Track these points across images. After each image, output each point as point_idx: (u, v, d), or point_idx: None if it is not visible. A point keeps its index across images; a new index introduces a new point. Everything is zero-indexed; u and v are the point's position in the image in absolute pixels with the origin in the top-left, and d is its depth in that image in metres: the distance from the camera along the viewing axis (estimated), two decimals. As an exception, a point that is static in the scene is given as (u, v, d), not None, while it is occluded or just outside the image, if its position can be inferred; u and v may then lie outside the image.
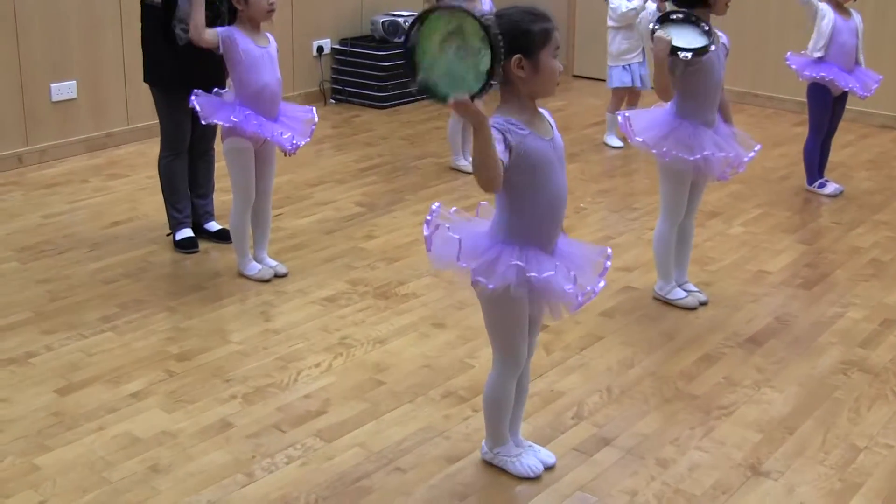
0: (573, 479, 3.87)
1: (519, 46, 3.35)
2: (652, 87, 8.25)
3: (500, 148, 3.28)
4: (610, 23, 8.25)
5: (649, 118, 5.18)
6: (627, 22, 8.13)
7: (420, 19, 3.16)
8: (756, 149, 5.16)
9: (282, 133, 5.33)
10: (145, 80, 5.96)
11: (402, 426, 4.19)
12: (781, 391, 4.52)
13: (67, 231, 6.27)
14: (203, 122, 5.33)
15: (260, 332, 5.00)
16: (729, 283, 5.68)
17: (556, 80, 3.49)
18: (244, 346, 4.85)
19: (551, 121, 3.59)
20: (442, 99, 3.16)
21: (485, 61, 3.11)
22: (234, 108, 5.33)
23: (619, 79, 8.31)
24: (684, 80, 5.00)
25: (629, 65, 8.29)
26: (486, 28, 3.09)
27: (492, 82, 3.14)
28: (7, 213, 6.57)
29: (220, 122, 5.31)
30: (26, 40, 7.42)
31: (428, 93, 3.20)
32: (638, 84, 8.34)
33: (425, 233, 3.54)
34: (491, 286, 3.45)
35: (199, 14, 5.21)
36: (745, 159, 5.11)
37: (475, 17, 3.09)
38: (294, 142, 5.36)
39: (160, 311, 5.22)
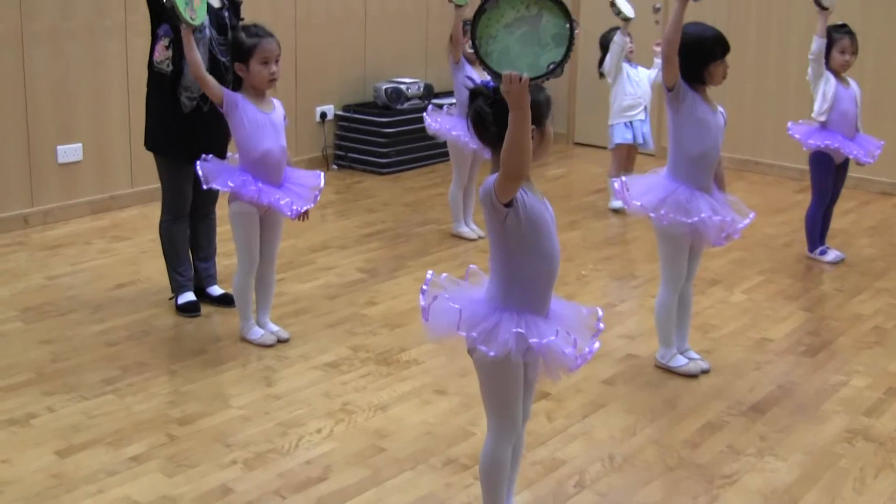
0: (576, 547, 3.85)
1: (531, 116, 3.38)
2: (646, 149, 8.42)
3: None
4: (608, 80, 8.33)
5: (646, 183, 5.20)
6: (617, 65, 8.20)
7: None
8: (750, 216, 5.17)
9: (279, 199, 5.33)
10: (147, 147, 5.99)
11: (403, 494, 4.17)
12: (785, 460, 4.50)
13: (70, 293, 6.28)
14: (204, 187, 5.35)
15: (261, 396, 4.99)
16: (731, 350, 5.68)
17: (551, 147, 3.57)
18: (245, 410, 4.84)
19: None
20: (492, 73, 3.23)
21: (548, 57, 3.20)
22: (234, 173, 5.36)
23: (621, 135, 8.35)
24: (681, 139, 5.04)
25: (631, 122, 8.33)
26: (571, 32, 3.20)
27: (546, 77, 3.24)
28: (11, 274, 6.58)
29: (219, 188, 5.34)
30: (34, 102, 7.49)
31: (480, 60, 3.27)
32: (640, 141, 8.37)
33: (422, 303, 3.56)
34: (492, 353, 3.45)
35: (191, 52, 5.22)
36: (740, 226, 5.12)
37: (566, 17, 3.20)
38: (294, 207, 5.36)
39: (162, 374, 5.21)
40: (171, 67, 5.66)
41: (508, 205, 3.38)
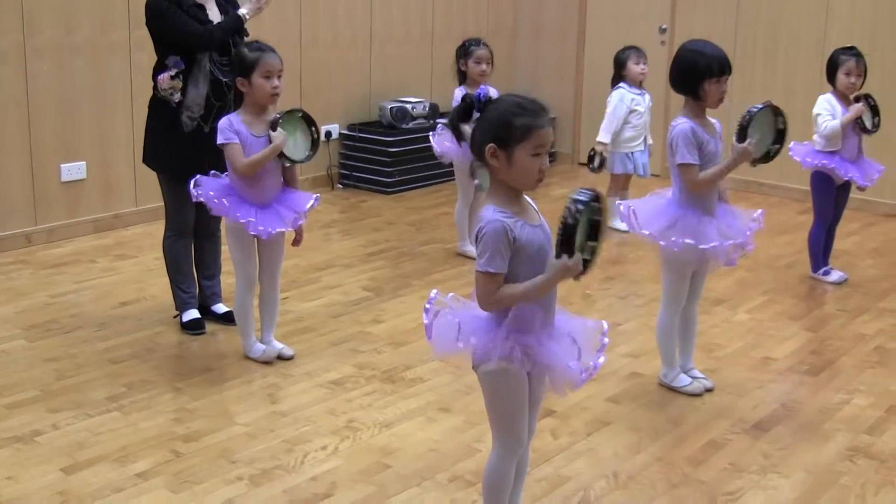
0: (580, 564, 3.85)
1: (496, 136, 3.39)
2: (644, 178, 8.45)
3: (502, 263, 3.41)
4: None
5: (652, 209, 5.16)
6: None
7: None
8: (757, 214, 5.15)
9: (241, 216, 5.28)
10: (145, 162, 6.02)
11: (408, 509, 4.19)
12: (788, 477, 4.51)
13: (75, 310, 6.30)
14: (192, 199, 5.37)
15: (266, 414, 5.00)
16: (735, 369, 5.69)
17: (533, 177, 3.44)
18: (251, 427, 4.85)
19: (534, 207, 3.59)
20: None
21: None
22: (218, 188, 5.37)
23: (621, 165, 8.41)
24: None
25: (632, 153, 8.37)
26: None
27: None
28: (15, 292, 6.60)
29: (198, 199, 5.33)
30: (38, 121, 7.51)
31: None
32: (640, 172, 8.42)
33: (425, 321, 3.57)
34: (494, 365, 3.47)
35: (262, 161, 5.29)
36: (749, 232, 5.09)
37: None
38: (260, 228, 5.29)
39: (167, 391, 5.22)
40: (175, 97, 5.69)
41: None
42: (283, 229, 5.43)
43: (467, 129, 3.51)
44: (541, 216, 3.56)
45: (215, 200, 5.29)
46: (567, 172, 10.70)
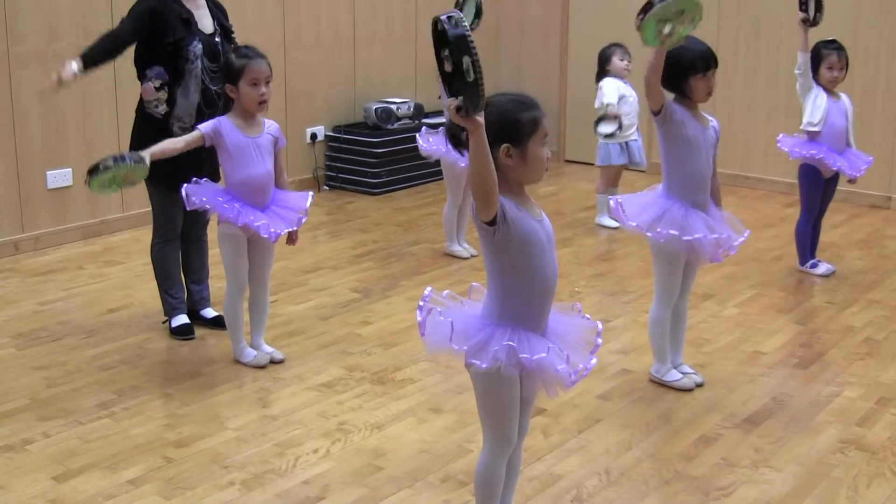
0: (574, 562, 3.85)
1: (507, 136, 3.41)
2: (640, 168, 8.45)
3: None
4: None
5: (641, 202, 5.20)
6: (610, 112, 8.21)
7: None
8: (745, 234, 5.18)
9: (255, 220, 5.31)
10: None
11: (401, 511, 4.18)
12: (780, 471, 4.52)
13: (64, 318, 6.29)
14: (188, 208, 5.35)
15: (257, 418, 4.99)
16: (724, 364, 5.70)
17: (544, 167, 3.52)
18: (242, 432, 4.84)
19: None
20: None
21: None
22: (216, 193, 5.37)
23: (617, 156, 8.34)
24: (672, 158, 5.05)
25: (626, 142, 8.32)
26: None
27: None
28: (3, 300, 6.58)
29: (197, 207, 5.32)
30: (23, 128, 7.49)
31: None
32: (636, 159, 8.37)
33: (418, 318, 3.57)
34: (484, 366, 3.46)
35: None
36: (736, 243, 5.14)
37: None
38: (272, 230, 5.35)
39: (157, 397, 5.21)
40: (160, 109, 5.68)
41: (492, 223, 3.39)
42: (290, 229, 5.48)
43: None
44: (542, 213, 3.57)
45: (225, 205, 5.30)
46: (554, 169, 10.70)
